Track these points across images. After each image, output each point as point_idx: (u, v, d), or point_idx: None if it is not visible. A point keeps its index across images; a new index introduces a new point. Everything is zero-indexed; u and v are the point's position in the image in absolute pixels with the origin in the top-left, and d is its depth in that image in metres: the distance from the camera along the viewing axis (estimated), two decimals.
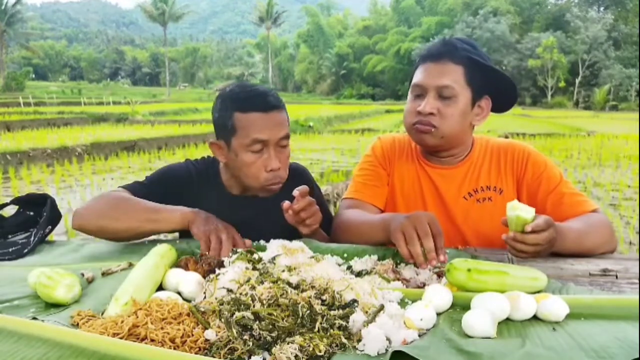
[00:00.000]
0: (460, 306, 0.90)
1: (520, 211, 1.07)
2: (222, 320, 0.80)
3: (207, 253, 1.15)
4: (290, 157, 1.44)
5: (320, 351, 0.73)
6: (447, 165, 1.49)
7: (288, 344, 0.74)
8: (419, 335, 0.79)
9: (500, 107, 1.47)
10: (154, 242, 1.32)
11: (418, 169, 1.52)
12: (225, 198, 1.45)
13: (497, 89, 1.42)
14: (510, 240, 1.09)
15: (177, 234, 1.48)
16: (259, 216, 1.39)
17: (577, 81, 45.46)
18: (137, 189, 1.39)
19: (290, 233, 1.25)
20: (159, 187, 1.42)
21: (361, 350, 0.74)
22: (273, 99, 1.36)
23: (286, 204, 1.24)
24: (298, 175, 1.56)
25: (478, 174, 1.48)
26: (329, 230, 1.46)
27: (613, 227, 1.34)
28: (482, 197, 1.46)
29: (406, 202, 1.51)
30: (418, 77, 1.40)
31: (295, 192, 1.23)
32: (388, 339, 0.75)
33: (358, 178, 1.56)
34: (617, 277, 1.07)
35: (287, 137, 1.37)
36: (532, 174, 1.43)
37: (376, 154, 1.57)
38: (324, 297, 0.84)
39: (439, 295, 0.89)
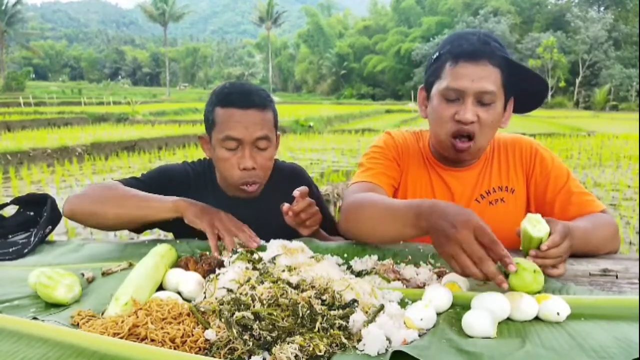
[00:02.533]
0: (460, 306, 0.89)
1: (532, 229, 0.99)
2: (222, 320, 0.80)
3: (214, 245, 1.16)
4: (272, 159, 1.42)
5: (320, 351, 0.73)
6: (461, 167, 1.42)
7: (288, 344, 0.74)
8: (419, 335, 0.79)
9: (525, 107, 1.38)
10: (154, 242, 1.32)
11: (430, 171, 1.45)
12: (221, 199, 1.44)
13: (525, 89, 1.32)
14: (531, 259, 0.99)
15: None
16: (255, 217, 1.37)
17: (577, 81, 45.47)
18: (134, 185, 1.39)
19: (288, 233, 1.24)
20: (156, 186, 1.41)
21: (361, 350, 0.74)
22: (257, 98, 1.33)
23: (286, 206, 1.23)
24: (296, 176, 1.55)
25: (490, 174, 1.43)
26: (328, 230, 1.46)
27: (618, 228, 1.31)
28: (494, 199, 1.41)
29: None
30: (452, 79, 1.25)
31: (296, 193, 1.22)
32: (388, 339, 0.75)
33: (370, 164, 1.42)
34: (617, 277, 1.07)
35: (265, 138, 1.34)
36: (541, 171, 1.40)
37: (389, 147, 1.45)
38: (324, 297, 0.84)
39: (439, 295, 0.89)
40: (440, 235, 0.93)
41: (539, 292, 0.90)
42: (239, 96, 1.33)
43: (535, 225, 1.00)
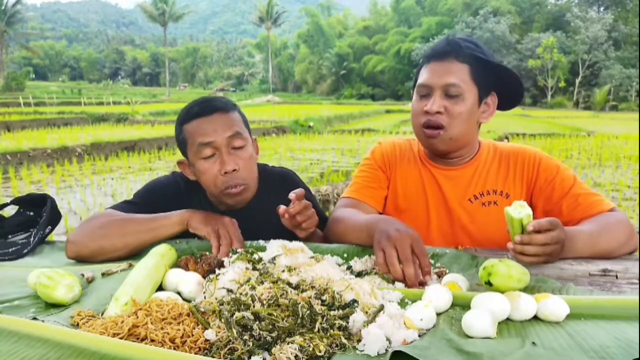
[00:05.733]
0: (460, 306, 0.90)
1: (513, 211, 1.02)
2: (222, 320, 0.80)
3: (217, 248, 1.16)
4: (253, 159, 1.40)
5: (320, 351, 0.73)
6: (453, 166, 1.47)
7: (288, 344, 0.74)
8: (419, 335, 0.79)
9: (506, 104, 1.46)
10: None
11: (422, 171, 1.50)
12: (215, 209, 1.42)
13: (503, 85, 1.41)
14: (517, 245, 1.03)
15: None
16: (249, 228, 1.33)
17: (577, 81, 45.46)
18: (126, 208, 1.36)
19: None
20: (148, 203, 1.39)
21: (361, 351, 0.74)
22: (217, 103, 1.36)
23: (282, 208, 1.23)
24: (286, 181, 1.54)
25: (485, 177, 1.46)
26: (323, 230, 1.45)
27: (632, 226, 1.28)
28: (487, 201, 1.44)
29: (408, 205, 1.49)
30: (423, 76, 1.39)
31: (292, 195, 1.22)
32: (388, 339, 0.75)
33: (357, 179, 1.55)
34: (617, 277, 1.07)
35: (237, 136, 1.34)
36: (545, 179, 1.40)
37: (375, 158, 1.56)
38: (324, 297, 0.84)
39: (439, 295, 0.89)
40: (382, 234, 1.08)
41: (522, 290, 0.91)
42: (200, 106, 1.36)
43: (516, 208, 1.03)
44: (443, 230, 1.46)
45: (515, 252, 1.04)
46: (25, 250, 1.32)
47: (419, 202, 1.49)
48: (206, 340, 0.78)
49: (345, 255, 1.19)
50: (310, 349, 0.73)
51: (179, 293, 0.98)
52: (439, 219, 1.47)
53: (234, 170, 1.33)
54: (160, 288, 1.01)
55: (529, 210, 1.03)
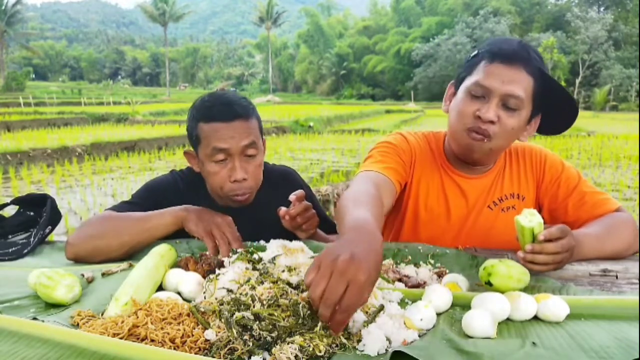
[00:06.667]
0: (460, 306, 0.90)
1: (523, 219, 1.01)
2: (222, 320, 0.80)
3: (212, 250, 1.15)
4: (262, 166, 1.40)
5: (320, 351, 0.73)
6: (476, 174, 1.41)
7: (288, 344, 0.74)
8: (419, 335, 0.79)
9: (547, 129, 1.35)
10: (154, 242, 1.31)
11: (443, 176, 1.42)
12: (213, 208, 1.42)
13: (553, 110, 1.29)
14: (528, 254, 1.00)
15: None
16: (249, 225, 1.32)
17: (577, 81, 45.45)
18: (126, 209, 1.35)
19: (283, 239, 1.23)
20: (147, 203, 1.38)
21: (361, 351, 0.74)
22: (238, 108, 1.32)
23: (282, 210, 1.22)
24: (287, 179, 1.53)
25: (502, 181, 1.42)
26: (324, 230, 1.45)
27: (637, 226, 1.26)
28: (506, 206, 1.40)
29: (429, 213, 1.42)
30: (482, 76, 1.23)
31: (292, 197, 1.22)
32: (388, 339, 0.75)
33: (380, 156, 1.37)
34: (617, 277, 1.07)
35: (252, 145, 1.32)
36: (551, 177, 1.38)
37: (402, 145, 1.41)
38: None
39: (439, 295, 0.89)
40: (331, 254, 0.76)
41: (523, 290, 0.91)
42: (221, 109, 1.31)
43: (527, 217, 1.01)
44: (461, 237, 1.42)
45: (526, 261, 1.00)
46: (25, 250, 1.32)
47: (440, 209, 1.42)
48: (206, 340, 0.78)
49: None
50: (310, 349, 0.73)
51: (179, 293, 0.98)
52: (459, 226, 1.41)
53: (244, 179, 1.32)
54: (160, 288, 1.01)
55: (540, 219, 1.00)
